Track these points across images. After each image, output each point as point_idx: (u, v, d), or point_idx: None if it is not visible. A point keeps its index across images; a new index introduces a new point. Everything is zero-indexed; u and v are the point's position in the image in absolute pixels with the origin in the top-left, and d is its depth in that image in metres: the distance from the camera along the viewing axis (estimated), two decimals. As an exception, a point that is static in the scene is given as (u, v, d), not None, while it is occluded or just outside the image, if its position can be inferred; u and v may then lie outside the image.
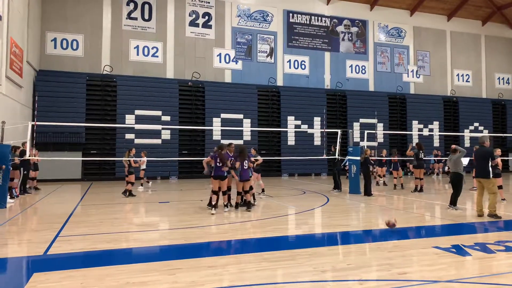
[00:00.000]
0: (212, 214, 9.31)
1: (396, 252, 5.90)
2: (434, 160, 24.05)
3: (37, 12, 19.76)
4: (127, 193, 13.14)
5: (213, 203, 9.59)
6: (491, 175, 8.99)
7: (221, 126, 22.28)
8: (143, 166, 15.98)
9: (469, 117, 28.60)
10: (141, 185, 16.05)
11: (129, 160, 13.09)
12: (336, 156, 14.64)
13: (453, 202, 10.06)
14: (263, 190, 13.45)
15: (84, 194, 14.25)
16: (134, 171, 13.37)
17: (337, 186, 14.53)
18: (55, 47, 20.71)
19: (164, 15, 22.80)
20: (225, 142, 21.89)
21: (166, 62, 22.75)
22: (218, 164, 9.60)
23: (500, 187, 11.36)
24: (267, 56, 24.94)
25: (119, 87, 21.22)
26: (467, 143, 27.45)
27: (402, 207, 10.92)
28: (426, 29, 28.75)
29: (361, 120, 25.45)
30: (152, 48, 22.46)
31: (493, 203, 8.90)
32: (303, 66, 25.63)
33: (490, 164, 8.98)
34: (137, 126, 20.37)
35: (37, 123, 14.36)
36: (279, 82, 25.02)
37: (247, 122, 23.17)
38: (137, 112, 21.19)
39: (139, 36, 22.28)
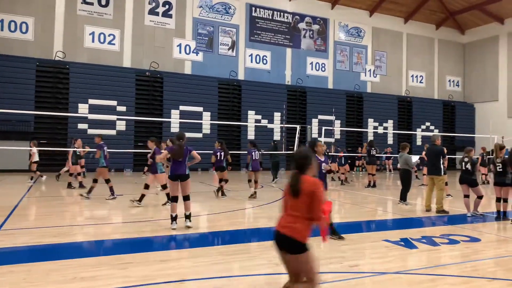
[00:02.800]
0: (174, 229, 6.97)
1: (348, 246, 6.05)
2: (385, 157, 24.98)
3: (-17, -9, 18.45)
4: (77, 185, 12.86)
5: (173, 214, 7.12)
6: (442, 172, 9.47)
7: (180, 119, 21.90)
8: (36, 158, 14.93)
9: (421, 116, 29.91)
10: (31, 178, 14.79)
11: (73, 151, 13.09)
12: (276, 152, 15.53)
13: (403, 197, 10.49)
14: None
15: (31, 186, 13.53)
16: (76, 162, 13.44)
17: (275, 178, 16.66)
18: (1, 29, 19.40)
19: (122, 2, 21.99)
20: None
21: (123, 50, 22.00)
22: (174, 160, 7.25)
23: (445, 183, 11.96)
24: (228, 49, 24.75)
25: (72, 74, 20.28)
26: (418, 142, 28.70)
27: (355, 202, 11.24)
28: (384, 30, 29.67)
29: (320, 117, 25.91)
30: (109, 35, 21.61)
31: (440, 198, 9.37)
32: (264, 61, 25.69)
33: (441, 161, 9.45)
34: (91, 116, 19.58)
35: (-20, 109, 13.46)
36: (240, 76, 24.94)
37: (207, 115, 22.93)
38: (91, 101, 20.36)
39: (95, 22, 21.37)
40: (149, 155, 10.79)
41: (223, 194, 11.44)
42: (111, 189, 10.68)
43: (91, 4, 21.28)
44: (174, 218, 7.10)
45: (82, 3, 21.08)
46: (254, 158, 11.56)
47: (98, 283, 4.27)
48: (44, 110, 18.88)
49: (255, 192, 11.37)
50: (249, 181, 11.63)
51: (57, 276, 4.45)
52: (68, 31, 20.78)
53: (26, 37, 19.88)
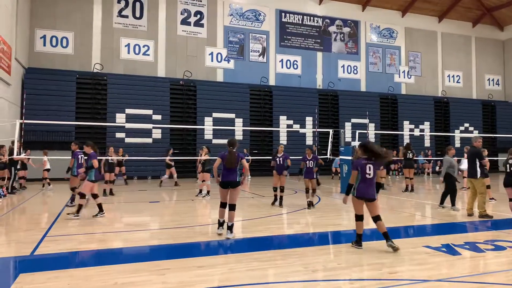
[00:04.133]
0: (220, 234, 7.03)
1: (387, 252, 5.89)
2: (424, 160, 24.23)
3: (26, 9, 19.49)
4: (108, 192, 13.24)
5: (220, 220, 7.16)
6: (478, 175, 9.03)
7: (213, 126, 22.20)
8: (47, 166, 15.30)
9: (459, 117, 28.85)
10: (43, 186, 15.36)
11: (105, 159, 13.07)
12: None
13: (449, 201, 10.03)
14: (208, 193, 12.84)
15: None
16: (112, 170, 13.43)
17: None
18: (44, 45, 20.46)
19: (155, 13, 22.65)
20: (217, 141, 21.94)
21: (158, 60, 22.61)
22: (226, 166, 7.14)
23: (488, 186, 11.43)
24: (259, 56, 24.90)
25: (110, 85, 21.04)
26: (457, 144, 27.68)
27: (392, 207, 10.95)
28: (417, 30, 28.94)
29: (353, 120, 25.53)
30: (143, 47, 22.30)
31: (481, 203, 8.96)
32: (295, 66, 25.65)
33: (478, 164, 9.03)
34: (128, 125, 20.19)
35: (26, 121, 14.17)
36: (271, 82, 25.01)
37: (239, 122, 23.11)
38: (128, 111, 21.02)
39: (130, 34, 22.11)
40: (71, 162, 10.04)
41: (280, 203, 10.78)
42: (72, 197, 10.16)
43: (126, 17, 22.04)
44: (221, 224, 7.09)
45: (117, 16, 21.88)
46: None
47: (137, 289, 4.37)
48: (84, 121, 19.66)
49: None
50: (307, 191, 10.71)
51: (99, 281, 4.59)
52: (105, 44, 21.60)
53: (66, 51, 20.83)
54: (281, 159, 10.80)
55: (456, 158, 10.50)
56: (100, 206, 9.05)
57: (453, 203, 10.06)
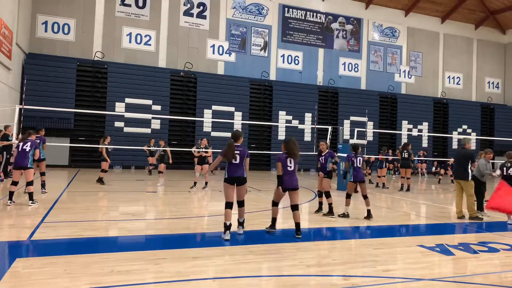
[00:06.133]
0: (227, 240, 6.27)
1: (381, 250, 5.96)
2: (418, 160, 24.27)
3: (29, -6, 19.36)
4: (101, 181, 13.15)
5: (227, 222, 6.32)
6: (470, 177, 9.07)
7: (212, 118, 22.19)
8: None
9: (458, 119, 28.94)
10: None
11: (105, 148, 12.94)
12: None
13: (478, 207, 9.50)
14: (206, 184, 12.86)
15: (70, 181, 14.10)
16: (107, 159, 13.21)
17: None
18: (45, 30, 20.35)
19: (158, 3, 22.53)
20: (215, 134, 21.94)
21: (159, 51, 22.53)
22: (234, 161, 6.57)
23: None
24: (260, 50, 24.85)
25: (110, 74, 20.97)
26: (455, 145, 27.81)
27: (388, 206, 11.02)
28: (420, 30, 28.92)
29: (352, 118, 25.57)
30: (145, 36, 22.21)
31: (470, 205, 8.97)
32: (296, 62, 25.61)
33: (470, 166, 9.07)
34: (127, 115, 20.17)
35: (25, 106, 14.14)
36: (272, 76, 24.98)
37: (238, 115, 23.11)
38: (128, 100, 20.97)
39: (132, 23, 22.00)
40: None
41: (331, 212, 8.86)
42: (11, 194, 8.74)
43: (129, 6, 21.92)
44: (228, 227, 6.26)
45: (120, 4, 21.76)
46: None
47: (133, 277, 4.41)
48: (83, 108, 19.61)
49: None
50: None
51: (95, 269, 4.63)
52: (106, 32, 21.51)
53: (67, 38, 20.74)
54: (323, 158, 9.23)
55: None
56: (31, 194, 8.72)
57: (480, 208, 9.49)
